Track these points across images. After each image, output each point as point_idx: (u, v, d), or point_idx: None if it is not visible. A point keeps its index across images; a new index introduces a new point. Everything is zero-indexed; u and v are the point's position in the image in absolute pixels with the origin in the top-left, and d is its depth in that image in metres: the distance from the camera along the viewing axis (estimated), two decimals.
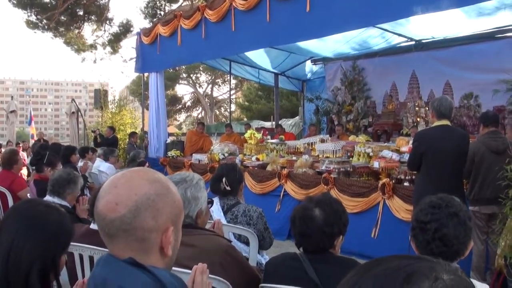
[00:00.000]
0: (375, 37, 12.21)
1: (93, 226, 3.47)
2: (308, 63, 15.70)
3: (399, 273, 0.80)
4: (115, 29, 24.71)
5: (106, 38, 24.85)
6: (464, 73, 11.49)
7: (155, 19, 21.68)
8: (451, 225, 2.28)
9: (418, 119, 11.73)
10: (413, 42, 12.54)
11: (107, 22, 24.45)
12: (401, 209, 6.68)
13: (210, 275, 1.97)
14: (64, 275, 3.28)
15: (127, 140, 15.14)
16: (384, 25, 10.93)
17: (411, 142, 6.22)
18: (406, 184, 6.92)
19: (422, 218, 2.35)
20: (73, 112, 18.31)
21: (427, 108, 11.45)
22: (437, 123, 5.37)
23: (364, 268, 0.85)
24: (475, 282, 2.41)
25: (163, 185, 1.52)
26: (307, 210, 2.69)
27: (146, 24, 23.50)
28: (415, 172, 5.85)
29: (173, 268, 1.85)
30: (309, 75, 16.60)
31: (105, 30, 24.64)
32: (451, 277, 0.81)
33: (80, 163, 8.75)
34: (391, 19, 8.74)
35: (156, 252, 1.50)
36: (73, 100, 19.15)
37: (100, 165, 9.78)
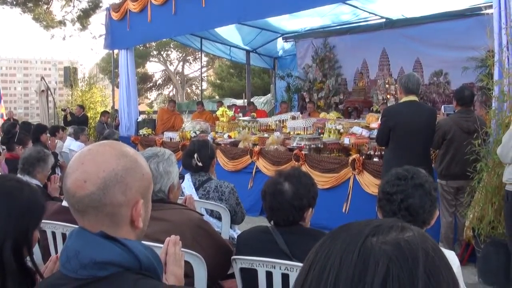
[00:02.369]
0: (346, 13, 12.25)
1: (65, 203, 3.46)
2: (280, 40, 15.66)
3: (366, 228, 0.84)
4: (84, 4, 24.27)
5: (75, 14, 24.39)
6: (434, 51, 11.60)
7: None
8: (417, 195, 2.34)
9: (388, 96, 11.84)
10: (383, 20, 12.61)
11: None
12: (371, 184, 6.78)
13: (182, 249, 1.99)
14: (37, 254, 3.28)
15: (98, 118, 14.99)
16: (355, 2, 10.96)
17: (380, 118, 6.30)
18: (375, 159, 7.02)
19: (388, 190, 2.40)
20: (42, 91, 17.97)
21: (397, 85, 11.56)
22: (405, 99, 5.44)
23: (332, 236, 0.88)
24: (442, 249, 2.48)
25: (130, 159, 1.51)
26: (277, 185, 2.73)
27: None
28: (384, 147, 5.93)
29: (146, 242, 1.88)
30: (280, 53, 16.57)
31: (74, 6, 24.18)
32: (417, 229, 0.86)
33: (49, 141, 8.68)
34: None
35: (127, 225, 1.50)
36: (42, 78, 18.78)
37: (70, 144, 9.71)
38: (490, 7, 6.29)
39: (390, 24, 12.52)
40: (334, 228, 0.90)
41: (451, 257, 2.36)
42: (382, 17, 12.51)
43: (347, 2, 10.71)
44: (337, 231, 0.88)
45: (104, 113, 14.51)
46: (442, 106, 6.52)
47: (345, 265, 0.79)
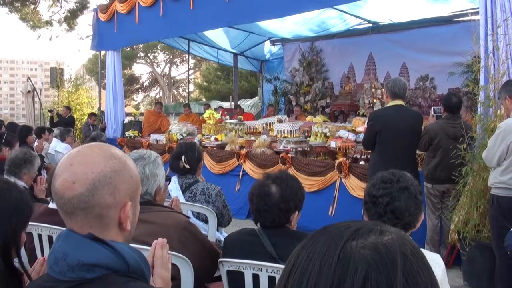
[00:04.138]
0: (333, 18, 12.29)
1: (52, 205, 3.45)
2: (267, 43, 15.71)
3: (346, 231, 0.86)
4: (71, 5, 24.17)
5: (62, 15, 24.29)
6: (420, 56, 11.70)
7: None
8: (402, 198, 2.35)
9: (375, 100, 11.93)
10: (370, 25, 12.69)
11: None
12: (357, 187, 6.81)
13: (169, 251, 1.99)
14: (23, 257, 3.26)
15: (85, 119, 14.91)
16: (342, 7, 11.01)
17: (366, 122, 6.33)
18: (361, 163, 7.05)
19: (374, 193, 2.42)
20: (28, 91, 17.83)
21: (383, 90, 11.63)
22: (392, 103, 5.47)
23: (313, 239, 0.89)
24: (427, 252, 2.50)
25: (119, 161, 1.52)
26: (264, 187, 2.75)
27: (103, 0, 23.03)
28: (370, 151, 5.97)
29: (133, 245, 1.88)
30: (267, 56, 16.62)
31: (61, 6, 24.08)
32: (396, 231, 0.88)
33: (35, 143, 8.63)
34: (350, 0, 8.83)
35: (115, 227, 1.50)
36: (28, 78, 18.63)
37: (56, 146, 9.66)
38: (477, 13, 6.35)
39: (377, 29, 12.61)
40: (315, 231, 0.92)
41: (437, 259, 2.38)
42: (369, 22, 12.59)
43: (335, 7, 10.75)
44: (317, 234, 0.90)
45: (91, 115, 14.43)
46: (432, 108, 6.56)
47: (325, 270, 0.81)
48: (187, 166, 4.19)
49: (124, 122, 13.71)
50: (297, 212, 2.78)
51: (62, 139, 9.94)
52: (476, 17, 6.37)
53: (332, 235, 0.86)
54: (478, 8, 6.01)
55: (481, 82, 5.66)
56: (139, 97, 51.03)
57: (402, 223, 2.34)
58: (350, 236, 0.85)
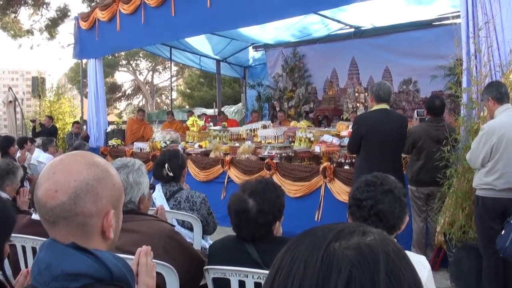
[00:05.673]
0: (315, 23, 12.33)
1: (35, 216, 3.41)
2: (250, 49, 15.73)
3: (329, 233, 0.87)
4: (52, 13, 24.07)
5: (43, 23, 24.22)
6: (403, 59, 11.80)
7: (93, 3, 21.15)
8: (386, 201, 2.37)
9: (358, 105, 11.99)
10: (352, 29, 12.75)
11: (44, 6, 23.77)
12: (342, 192, 6.81)
13: (154, 260, 1.97)
14: (7, 270, 3.21)
15: (69, 129, 14.75)
16: (324, 12, 11.05)
17: (351, 126, 6.34)
18: (346, 167, 7.06)
19: (358, 196, 2.43)
20: (10, 101, 17.64)
21: (366, 94, 11.71)
22: (376, 107, 5.48)
23: (297, 242, 0.90)
24: (413, 254, 2.51)
25: (101, 169, 1.51)
26: (241, 202, 2.70)
27: (84, 8, 22.93)
28: (355, 155, 5.97)
29: (117, 254, 1.86)
30: (250, 62, 16.63)
31: (42, 15, 23.98)
32: (378, 232, 0.89)
33: (18, 154, 8.54)
34: (332, 6, 8.85)
35: (98, 235, 1.50)
36: (10, 88, 18.46)
37: (39, 156, 9.56)
38: (458, 17, 6.40)
39: (359, 33, 12.68)
40: (299, 234, 0.92)
41: (422, 261, 2.39)
42: (351, 27, 12.65)
43: (316, 12, 10.78)
44: (301, 236, 0.90)
45: (74, 123, 14.29)
46: (415, 111, 6.61)
47: (309, 271, 0.82)
48: (171, 173, 4.17)
49: (107, 131, 13.59)
50: (277, 222, 2.75)
51: (45, 149, 9.84)
52: (457, 21, 6.42)
53: (316, 237, 0.87)
54: (459, 11, 6.07)
55: (464, 84, 5.71)
56: (121, 105, 50.80)
57: (387, 225, 2.35)
58: (333, 237, 0.85)
